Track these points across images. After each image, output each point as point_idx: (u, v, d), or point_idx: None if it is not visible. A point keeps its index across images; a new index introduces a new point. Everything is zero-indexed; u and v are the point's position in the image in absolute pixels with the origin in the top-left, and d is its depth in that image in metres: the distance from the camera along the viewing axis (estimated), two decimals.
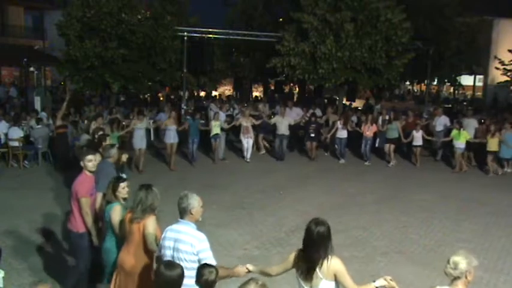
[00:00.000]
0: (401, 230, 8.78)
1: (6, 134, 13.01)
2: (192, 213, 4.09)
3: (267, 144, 15.96)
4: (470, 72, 28.61)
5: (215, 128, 13.96)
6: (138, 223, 4.53)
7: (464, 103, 28.89)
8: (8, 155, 12.95)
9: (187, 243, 3.99)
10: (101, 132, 9.37)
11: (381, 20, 16.24)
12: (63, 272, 6.27)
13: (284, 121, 14.76)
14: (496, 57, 26.60)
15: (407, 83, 35.38)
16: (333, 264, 3.67)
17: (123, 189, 5.17)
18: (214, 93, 28.11)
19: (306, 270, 3.71)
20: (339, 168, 14.14)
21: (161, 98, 25.33)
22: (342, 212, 9.68)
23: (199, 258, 3.95)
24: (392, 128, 14.62)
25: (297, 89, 31.36)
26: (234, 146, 16.16)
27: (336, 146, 15.09)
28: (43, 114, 14.97)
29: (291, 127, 14.99)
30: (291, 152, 15.80)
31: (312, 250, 3.67)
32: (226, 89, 35.97)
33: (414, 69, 18.93)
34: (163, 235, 4.22)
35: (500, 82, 26.93)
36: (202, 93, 27.50)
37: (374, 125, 14.78)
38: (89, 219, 5.51)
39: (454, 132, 13.78)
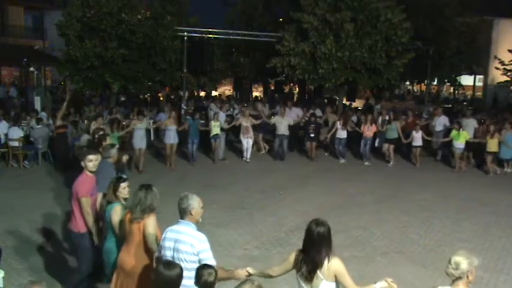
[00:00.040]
0: (401, 229, 8.77)
1: (6, 134, 13.01)
2: (192, 214, 4.09)
3: (266, 145, 15.95)
4: (470, 72, 28.61)
5: (215, 128, 13.95)
6: (138, 223, 4.53)
7: (464, 103, 28.93)
8: (8, 155, 12.95)
9: (188, 244, 4.00)
10: (101, 132, 9.36)
11: (380, 20, 16.24)
12: (63, 272, 6.28)
13: (284, 121, 14.74)
14: (496, 57, 26.61)
15: (407, 83, 35.38)
16: (333, 264, 3.66)
17: (124, 189, 5.19)
18: (214, 93, 28.12)
19: (307, 272, 3.71)
20: (339, 168, 14.13)
21: (161, 98, 25.32)
22: (342, 212, 9.68)
23: (199, 259, 3.96)
24: (391, 128, 14.62)
25: (297, 89, 31.37)
26: (234, 146, 16.15)
27: (336, 146, 15.10)
28: (43, 114, 14.96)
29: (290, 127, 14.97)
30: (291, 152, 15.77)
31: (313, 251, 3.67)
32: (226, 89, 35.99)
33: (414, 69, 18.93)
34: (163, 235, 4.22)
35: (500, 82, 26.94)
36: (202, 93, 27.51)
37: (374, 125, 14.78)
38: (90, 219, 5.51)
39: (454, 132, 13.79)
